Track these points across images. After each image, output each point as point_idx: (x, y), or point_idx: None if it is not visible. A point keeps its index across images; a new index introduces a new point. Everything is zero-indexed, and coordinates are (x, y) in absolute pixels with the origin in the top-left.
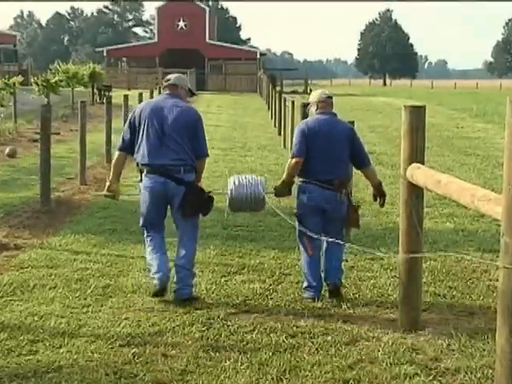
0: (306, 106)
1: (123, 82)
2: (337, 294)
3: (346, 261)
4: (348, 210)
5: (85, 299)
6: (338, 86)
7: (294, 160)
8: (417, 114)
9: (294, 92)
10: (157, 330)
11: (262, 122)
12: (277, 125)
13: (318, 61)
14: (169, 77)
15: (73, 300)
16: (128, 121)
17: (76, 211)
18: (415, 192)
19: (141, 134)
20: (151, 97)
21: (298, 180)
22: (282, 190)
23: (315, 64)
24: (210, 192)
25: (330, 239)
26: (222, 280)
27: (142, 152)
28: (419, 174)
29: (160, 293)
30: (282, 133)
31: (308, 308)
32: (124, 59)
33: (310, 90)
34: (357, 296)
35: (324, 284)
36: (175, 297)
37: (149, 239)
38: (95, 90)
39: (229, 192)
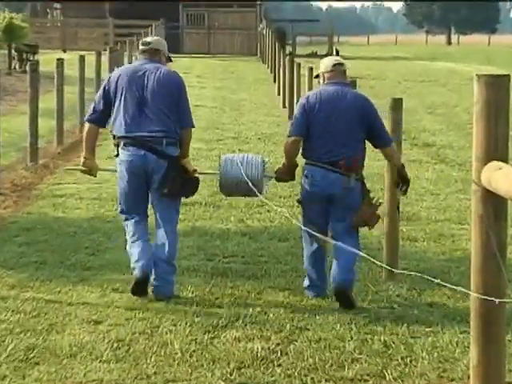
0: (316, 77)
1: (55, 40)
2: (346, 301)
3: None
4: (361, 202)
5: None
6: (379, 46)
7: (290, 139)
8: (497, 88)
9: (312, 55)
10: None
11: (264, 99)
12: (287, 104)
13: (348, 8)
14: (148, 39)
15: None
16: (101, 89)
17: None
18: (495, 204)
19: (117, 103)
20: (98, 61)
21: (303, 162)
22: (284, 174)
23: (345, 13)
24: (195, 171)
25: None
26: (206, 338)
27: (118, 123)
28: (501, 177)
29: (140, 286)
30: None
31: (334, 378)
32: (57, 6)
33: (337, 52)
34: (407, 361)
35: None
36: (155, 296)
37: (128, 226)
38: (13, 51)
39: (220, 172)
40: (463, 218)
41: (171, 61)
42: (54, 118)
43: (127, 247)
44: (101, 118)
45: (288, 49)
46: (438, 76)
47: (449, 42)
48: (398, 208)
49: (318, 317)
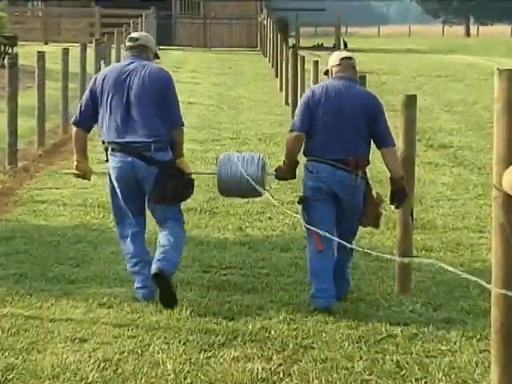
0: (326, 73)
1: (36, 32)
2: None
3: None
4: (365, 201)
5: None
6: (392, 37)
7: (292, 134)
8: None
9: (317, 47)
10: None
11: (265, 96)
12: (290, 101)
13: None
14: (135, 35)
15: None
16: (88, 90)
17: None
18: None
19: (104, 106)
20: (83, 55)
21: (304, 159)
22: (285, 172)
23: (354, 2)
24: (190, 174)
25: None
26: (201, 357)
27: (105, 128)
28: None
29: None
30: None
31: None
32: None
33: (345, 44)
34: (422, 383)
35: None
36: (152, 270)
37: (124, 240)
38: None
39: (218, 171)
40: (483, 226)
41: (158, 58)
42: (35, 117)
43: (127, 266)
44: (86, 121)
45: (291, 41)
46: (456, 71)
47: (467, 34)
48: (411, 215)
49: (324, 334)
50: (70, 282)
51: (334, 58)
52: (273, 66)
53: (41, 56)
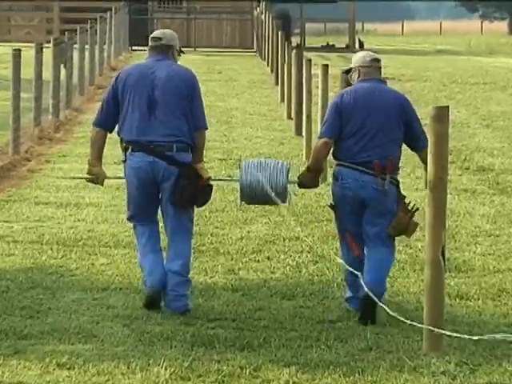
0: (347, 72)
1: None
2: (368, 315)
3: None
4: (396, 208)
5: None
6: (419, 36)
7: (321, 141)
8: None
9: (327, 47)
10: None
11: (262, 108)
12: (293, 114)
13: None
14: (158, 34)
15: None
16: (109, 89)
17: None
18: None
19: (126, 104)
20: (39, 57)
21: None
22: (308, 180)
23: None
24: (209, 178)
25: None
26: None
27: (127, 126)
28: None
29: (152, 302)
30: (305, 129)
31: None
32: None
33: (361, 44)
34: None
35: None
36: (169, 310)
37: (139, 234)
38: None
39: (241, 177)
40: None
41: (183, 52)
42: None
43: (138, 257)
44: (108, 122)
45: (295, 40)
46: (497, 77)
47: (511, 32)
48: (442, 254)
49: None
50: (22, 338)
51: (363, 59)
52: (272, 70)
53: None
